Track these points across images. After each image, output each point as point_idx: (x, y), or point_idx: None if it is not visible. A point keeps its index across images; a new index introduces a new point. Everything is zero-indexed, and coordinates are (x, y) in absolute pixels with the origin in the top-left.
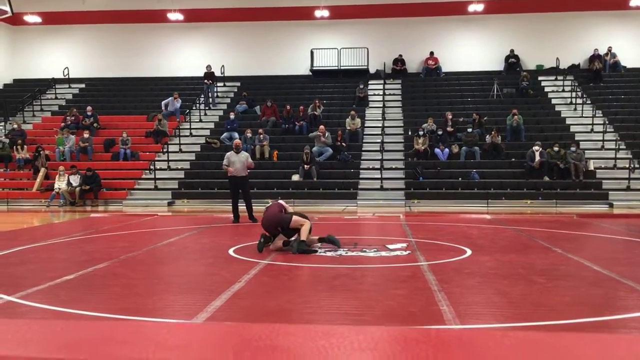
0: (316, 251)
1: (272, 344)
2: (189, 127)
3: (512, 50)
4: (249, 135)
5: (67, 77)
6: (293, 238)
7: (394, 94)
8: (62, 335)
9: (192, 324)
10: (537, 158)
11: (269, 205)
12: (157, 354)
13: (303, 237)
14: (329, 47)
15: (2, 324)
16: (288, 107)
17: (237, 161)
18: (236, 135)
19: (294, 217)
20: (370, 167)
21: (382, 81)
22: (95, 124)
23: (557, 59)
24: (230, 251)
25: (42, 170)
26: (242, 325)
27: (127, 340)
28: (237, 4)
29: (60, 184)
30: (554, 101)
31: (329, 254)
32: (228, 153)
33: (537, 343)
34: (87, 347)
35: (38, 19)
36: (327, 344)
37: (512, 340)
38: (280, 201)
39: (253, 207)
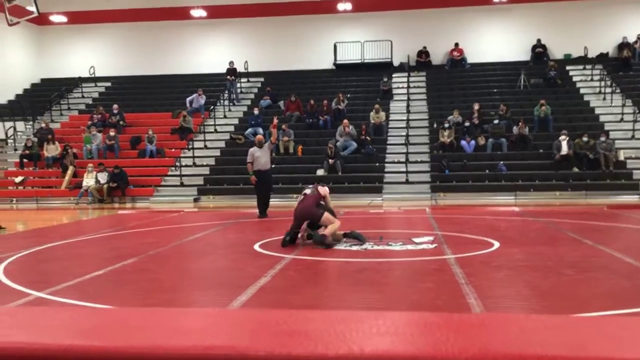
0: (333, 245)
1: (290, 329)
2: (213, 123)
3: (538, 40)
4: (273, 130)
5: (93, 75)
6: (320, 231)
7: (418, 87)
8: (77, 322)
9: (208, 310)
10: (564, 148)
11: (307, 192)
12: (172, 339)
13: (327, 233)
14: (352, 41)
15: (16, 312)
16: (312, 101)
17: (262, 156)
18: (260, 130)
19: (325, 214)
20: (396, 160)
21: (406, 74)
22: (121, 122)
23: (585, 47)
24: (256, 246)
25: (70, 168)
26: (260, 311)
27: (143, 326)
28: None
29: (88, 181)
30: (582, 91)
31: (354, 247)
32: (251, 149)
33: (561, 327)
34: (103, 334)
35: (64, 19)
36: (346, 328)
37: (535, 324)
38: (323, 188)
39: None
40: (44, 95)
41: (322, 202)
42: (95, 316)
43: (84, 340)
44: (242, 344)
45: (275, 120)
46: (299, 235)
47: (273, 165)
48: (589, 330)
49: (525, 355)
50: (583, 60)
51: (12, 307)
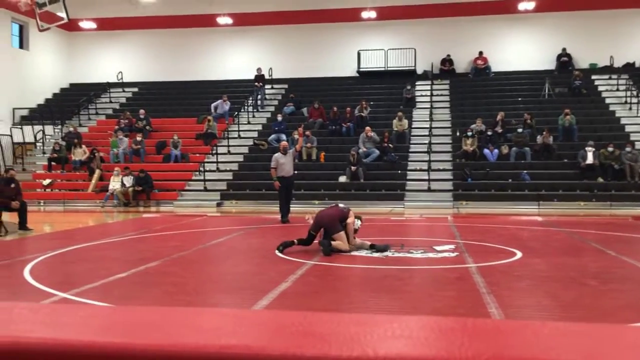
0: (332, 253)
1: (305, 330)
2: (237, 129)
3: (564, 49)
4: (297, 137)
5: (120, 81)
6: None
7: (441, 95)
8: (97, 319)
9: (225, 310)
10: (590, 158)
11: (340, 205)
12: (188, 337)
13: (335, 245)
14: (376, 48)
15: (39, 308)
16: (335, 108)
17: (286, 162)
18: (284, 137)
19: (342, 233)
20: (418, 168)
21: (429, 82)
22: (147, 127)
23: (611, 57)
24: (278, 251)
25: (97, 172)
26: (275, 312)
27: (160, 324)
28: (284, 7)
29: (114, 184)
30: (607, 100)
31: (375, 254)
32: (276, 155)
33: (578, 334)
34: (122, 330)
35: (93, 25)
36: (360, 331)
37: (551, 330)
38: (352, 218)
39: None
40: (72, 100)
41: (345, 222)
42: (115, 314)
43: (103, 337)
44: (257, 344)
45: (301, 128)
46: (315, 240)
47: (295, 172)
48: (607, 339)
49: None
50: (609, 69)
51: (34, 304)
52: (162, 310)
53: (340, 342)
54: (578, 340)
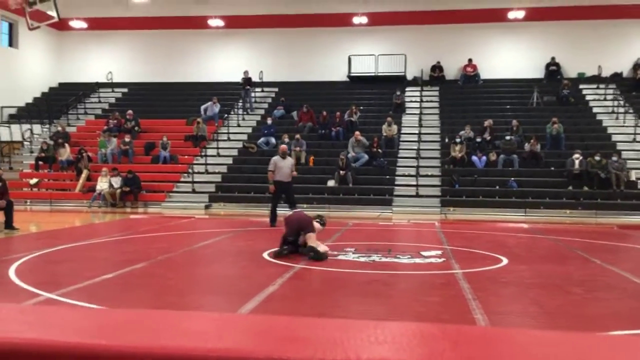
0: (326, 257)
1: (290, 335)
2: (227, 131)
3: (552, 58)
4: (286, 140)
5: (110, 81)
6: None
7: (431, 101)
8: (84, 321)
9: (213, 314)
10: (577, 166)
11: (298, 211)
12: (175, 340)
13: (312, 243)
14: (367, 54)
15: (28, 310)
16: (324, 112)
17: (284, 166)
18: (273, 140)
19: (315, 230)
20: (406, 173)
21: (419, 88)
22: (136, 128)
23: (599, 67)
24: (265, 255)
25: (85, 172)
26: (261, 317)
27: (147, 326)
28: (276, 10)
29: (102, 185)
30: (595, 110)
31: (362, 259)
32: (274, 157)
33: (559, 342)
34: (108, 333)
35: (83, 25)
36: (344, 336)
37: (533, 338)
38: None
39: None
40: (61, 99)
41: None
42: (101, 316)
43: (90, 339)
44: (243, 347)
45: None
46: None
47: (293, 175)
48: (587, 346)
49: None
50: (597, 79)
51: (23, 306)
52: (149, 313)
53: (323, 346)
54: (559, 347)
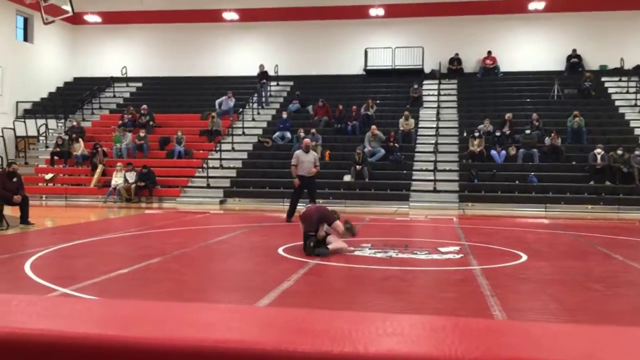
0: (328, 253)
1: (298, 326)
2: (241, 126)
3: (574, 50)
4: (302, 134)
5: (125, 75)
6: (329, 239)
7: (449, 94)
8: (93, 312)
9: (221, 306)
10: (598, 160)
11: (312, 205)
12: (183, 331)
13: (334, 244)
14: (384, 47)
15: (37, 301)
16: (340, 106)
17: (306, 161)
18: (288, 134)
19: (338, 222)
20: (424, 168)
21: (437, 81)
22: (151, 122)
23: (622, 59)
24: (280, 250)
25: (100, 167)
26: (270, 309)
27: (156, 318)
28: (291, 3)
29: (117, 180)
30: (617, 103)
31: (379, 255)
32: (297, 151)
33: (573, 335)
34: (116, 323)
35: (98, 19)
36: (353, 328)
37: (544, 331)
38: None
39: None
40: (76, 94)
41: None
42: (109, 307)
43: (98, 329)
44: (250, 339)
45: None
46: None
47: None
48: (602, 340)
49: None
50: (619, 72)
51: (33, 297)
52: (158, 304)
53: (332, 338)
54: (572, 340)
